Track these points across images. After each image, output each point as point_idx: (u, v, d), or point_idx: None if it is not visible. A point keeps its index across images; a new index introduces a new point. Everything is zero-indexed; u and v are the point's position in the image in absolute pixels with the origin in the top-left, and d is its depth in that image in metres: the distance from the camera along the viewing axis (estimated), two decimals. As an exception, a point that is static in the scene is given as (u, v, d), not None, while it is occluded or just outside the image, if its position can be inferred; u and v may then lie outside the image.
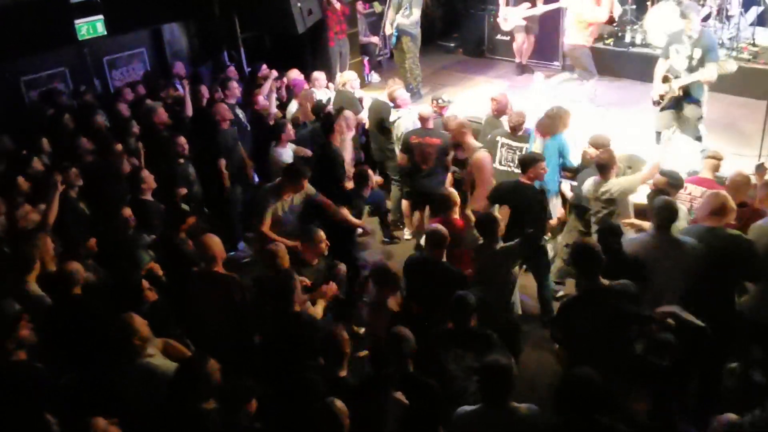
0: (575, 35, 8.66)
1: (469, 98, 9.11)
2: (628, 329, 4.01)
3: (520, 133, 6.68)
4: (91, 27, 8.60)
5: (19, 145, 6.86)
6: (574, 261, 4.23)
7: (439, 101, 7.62)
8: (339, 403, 3.33)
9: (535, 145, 6.49)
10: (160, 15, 9.81)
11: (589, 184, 5.71)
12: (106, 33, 8.76)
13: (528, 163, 5.76)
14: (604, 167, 5.59)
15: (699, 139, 7.06)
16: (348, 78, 8.44)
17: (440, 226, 5.01)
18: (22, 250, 4.64)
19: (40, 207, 5.43)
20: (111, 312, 4.09)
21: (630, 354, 3.97)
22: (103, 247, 5.31)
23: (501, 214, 5.81)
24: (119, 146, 6.58)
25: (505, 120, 7.04)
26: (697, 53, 6.61)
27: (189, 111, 7.76)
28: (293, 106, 8.22)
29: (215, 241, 4.80)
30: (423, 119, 7.10)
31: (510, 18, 9.78)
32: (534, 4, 9.75)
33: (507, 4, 9.97)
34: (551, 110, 6.55)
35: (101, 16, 8.63)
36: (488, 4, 11.08)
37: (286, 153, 7.11)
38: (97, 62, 9.37)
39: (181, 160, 6.69)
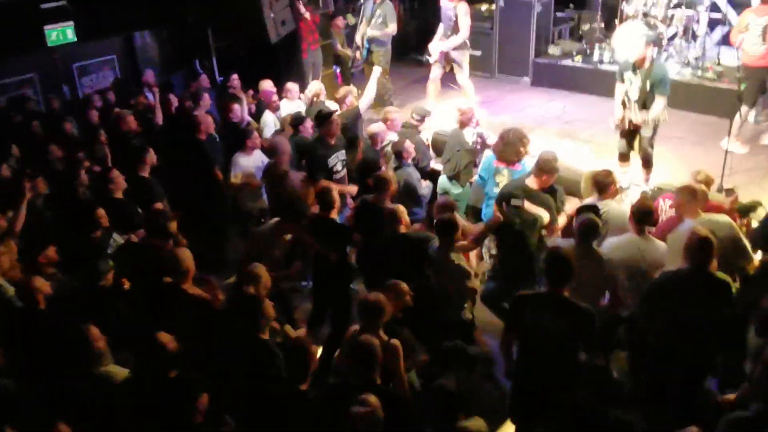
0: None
1: (442, 112, 9.20)
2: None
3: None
4: (61, 33, 8.50)
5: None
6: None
7: (414, 115, 7.66)
8: None
9: (502, 177, 6.30)
10: (132, 22, 9.74)
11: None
12: (76, 39, 8.67)
13: None
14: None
15: (648, 161, 7.14)
16: (318, 88, 8.45)
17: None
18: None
19: (7, 214, 5.35)
20: (73, 322, 4.05)
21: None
22: (65, 256, 5.25)
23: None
24: (81, 155, 6.53)
25: (468, 132, 7.07)
26: (648, 85, 6.71)
27: (159, 119, 7.73)
28: (268, 117, 8.20)
29: (187, 255, 4.68)
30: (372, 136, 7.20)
31: (433, 51, 9.19)
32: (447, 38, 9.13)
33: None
34: (507, 135, 6.29)
35: (71, 23, 8.54)
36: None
37: (249, 160, 7.10)
38: (66, 69, 9.28)
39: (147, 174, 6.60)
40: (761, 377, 3.56)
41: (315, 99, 8.32)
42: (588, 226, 4.79)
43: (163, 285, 4.64)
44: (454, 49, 8.94)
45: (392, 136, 7.30)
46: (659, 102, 6.68)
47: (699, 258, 4.25)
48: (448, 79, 9.34)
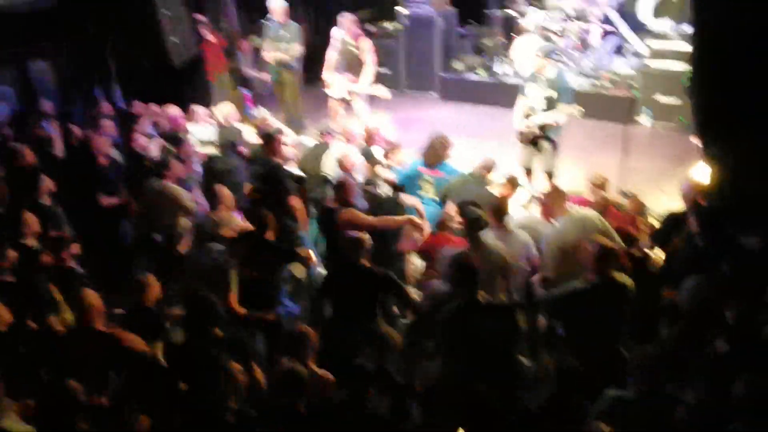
0: None
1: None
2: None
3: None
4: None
5: None
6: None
7: (325, 131, 7.68)
8: None
9: (427, 184, 6.56)
10: (27, 51, 9.36)
11: None
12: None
13: None
14: None
15: (551, 169, 7.46)
16: (226, 110, 8.32)
17: None
18: None
19: None
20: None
21: None
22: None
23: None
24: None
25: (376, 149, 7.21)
26: (553, 94, 7.05)
27: (59, 151, 7.41)
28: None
29: (92, 295, 4.47)
30: None
31: (336, 86, 9.09)
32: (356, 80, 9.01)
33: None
34: (433, 138, 6.71)
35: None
36: (372, 37, 11.33)
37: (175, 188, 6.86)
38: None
39: (48, 201, 6.31)
40: (639, 361, 3.75)
41: (222, 121, 8.20)
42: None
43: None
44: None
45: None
46: (562, 109, 6.98)
47: (604, 267, 4.41)
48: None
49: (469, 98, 10.71)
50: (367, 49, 8.89)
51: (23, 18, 8.73)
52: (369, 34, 11.23)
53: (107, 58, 9.43)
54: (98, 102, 9.05)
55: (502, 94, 10.08)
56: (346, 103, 9.08)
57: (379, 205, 6.31)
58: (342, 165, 6.73)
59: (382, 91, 9.04)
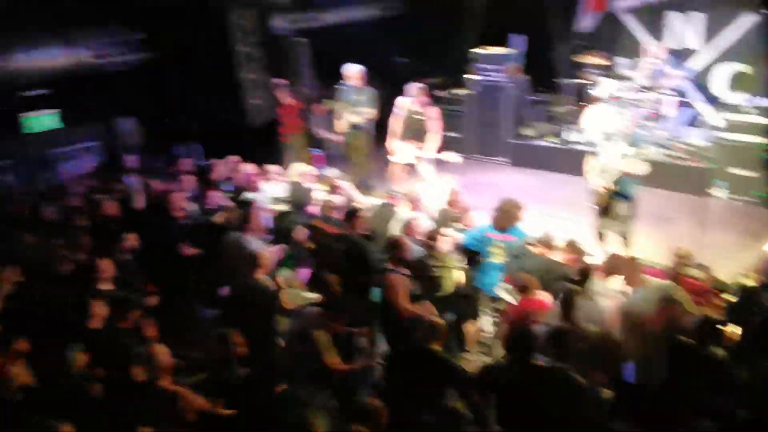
0: None
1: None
2: None
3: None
4: (41, 120, 8.61)
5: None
6: None
7: (392, 193, 7.77)
8: None
9: (497, 248, 6.46)
10: (116, 110, 9.92)
11: None
12: (58, 126, 8.77)
13: None
14: None
15: (625, 236, 7.28)
16: (298, 170, 8.54)
17: None
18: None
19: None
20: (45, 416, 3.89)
21: None
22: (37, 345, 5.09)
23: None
24: (59, 243, 6.45)
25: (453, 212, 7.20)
26: (629, 150, 6.98)
27: (140, 204, 7.72)
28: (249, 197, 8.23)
29: (162, 351, 4.52)
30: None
31: (401, 153, 9.26)
32: (420, 147, 9.09)
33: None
34: (504, 203, 6.65)
35: (56, 110, 8.66)
36: (438, 103, 11.52)
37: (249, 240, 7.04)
38: (46, 155, 9.29)
39: (127, 256, 6.54)
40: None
41: (293, 179, 8.41)
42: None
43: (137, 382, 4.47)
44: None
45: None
46: (641, 161, 6.93)
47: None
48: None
49: (539, 165, 10.68)
50: (434, 117, 9.03)
51: (113, 76, 9.28)
52: (439, 100, 11.45)
53: (189, 117, 9.86)
54: (179, 158, 9.46)
55: (573, 162, 9.96)
56: (411, 167, 9.19)
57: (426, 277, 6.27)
58: (407, 229, 6.76)
59: (452, 157, 9.11)
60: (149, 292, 5.92)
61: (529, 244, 6.23)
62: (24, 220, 7.23)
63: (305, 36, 11.21)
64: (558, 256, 6.04)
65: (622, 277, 5.50)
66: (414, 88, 9.12)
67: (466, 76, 11.53)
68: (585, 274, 5.48)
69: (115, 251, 6.35)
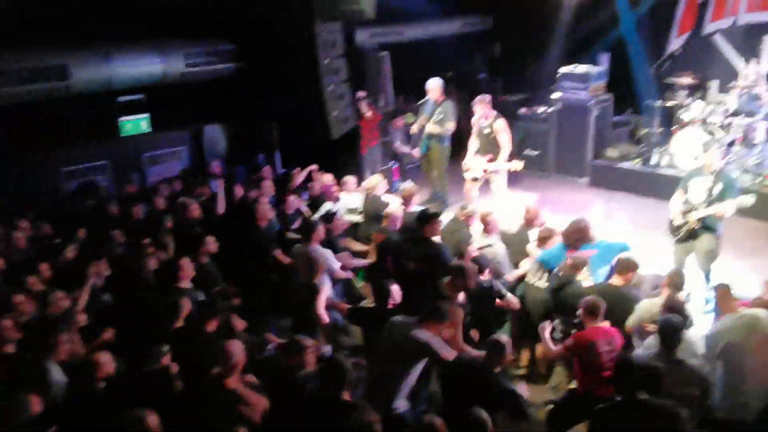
0: None
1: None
2: None
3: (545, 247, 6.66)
4: (135, 124, 9.02)
5: (55, 233, 7.07)
6: None
7: (465, 210, 7.71)
8: None
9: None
10: (203, 117, 10.29)
11: None
12: (150, 130, 9.16)
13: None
14: None
15: (707, 273, 6.99)
16: (374, 183, 8.62)
17: None
18: (49, 336, 4.70)
19: (72, 294, 5.53)
20: (127, 406, 4.06)
21: None
22: (122, 338, 5.32)
23: None
24: (146, 241, 6.74)
25: (533, 232, 7.03)
26: (718, 188, 6.70)
27: (221, 209, 7.98)
28: (328, 207, 8.37)
29: (237, 348, 4.59)
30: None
31: (473, 169, 9.20)
32: (493, 161, 9.00)
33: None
34: (574, 221, 6.53)
35: (147, 115, 9.06)
36: (517, 120, 11.44)
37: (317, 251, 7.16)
38: (137, 158, 9.73)
39: (206, 260, 6.75)
40: None
41: (370, 192, 8.48)
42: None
43: (207, 378, 4.59)
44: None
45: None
46: (729, 204, 6.64)
47: None
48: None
49: (621, 187, 10.40)
50: (501, 129, 8.93)
51: (202, 85, 9.64)
52: (520, 117, 11.36)
53: (272, 126, 10.11)
54: (261, 166, 9.72)
55: (656, 185, 9.74)
56: (479, 181, 9.14)
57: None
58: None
59: (515, 164, 8.96)
60: (229, 294, 6.04)
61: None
62: (115, 218, 7.60)
63: (387, 49, 11.34)
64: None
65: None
66: (479, 101, 9.06)
67: (550, 93, 11.38)
68: (677, 307, 5.25)
69: (196, 253, 6.59)
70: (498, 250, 6.88)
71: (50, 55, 7.93)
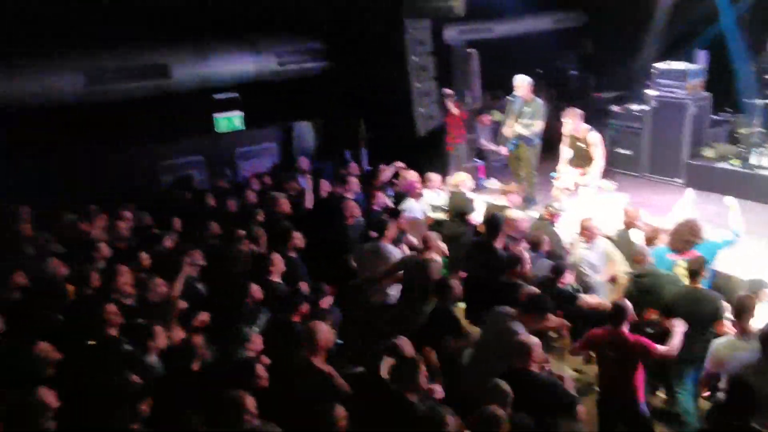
0: None
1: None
2: None
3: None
4: (229, 121, 9.34)
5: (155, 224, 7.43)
6: None
7: (551, 208, 7.60)
8: None
9: (680, 269, 6.09)
10: (293, 114, 10.55)
11: None
12: (243, 127, 9.46)
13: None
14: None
15: None
16: (460, 179, 8.60)
17: None
18: (149, 321, 4.97)
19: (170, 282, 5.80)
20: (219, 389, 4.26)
21: None
22: (215, 324, 5.54)
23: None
24: (241, 232, 6.97)
25: (634, 234, 6.83)
26: None
27: (309, 203, 8.15)
28: (411, 204, 8.41)
29: (322, 329, 4.77)
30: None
31: (564, 178, 9.02)
32: (585, 174, 8.83)
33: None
34: (681, 223, 6.33)
35: (240, 112, 9.36)
36: (609, 118, 11.13)
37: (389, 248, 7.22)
38: (230, 153, 10.07)
39: (294, 254, 6.89)
40: None
41: (454, 189, 8.46)
42: None
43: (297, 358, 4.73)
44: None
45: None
46: None
47: None
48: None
49: (718, 188, 9.88)
50: (594, 143, 8.70)
51: (293, 83, 9.87)
52: (614, 115, 11.03)
53: (360, 122, 10.24)
54: (348, 162, 9.87)
55: (757, 187, 9.26)
56: (569, 191, 8.94)
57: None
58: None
59: (606, 185, 8.79)
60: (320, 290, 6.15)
61: None
62: (210, 210, 7.90)
63: (475, 46, 11.27)
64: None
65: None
66: (570, 114, 8.84)
67: (645, 91, 11.00)
68: None
69: (285, 247, 6.76)
70: (597, 253, 6.74)
71: (152, 54, 8.31)
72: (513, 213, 7.50)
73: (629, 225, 7.00)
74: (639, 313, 5.40)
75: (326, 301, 5.87)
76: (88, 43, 7.87)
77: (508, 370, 4.58)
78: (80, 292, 5.72)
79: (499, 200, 8.15)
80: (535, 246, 6.73)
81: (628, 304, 5.12)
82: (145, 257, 6.33)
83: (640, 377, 5.01)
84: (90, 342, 4.93)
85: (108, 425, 3.98)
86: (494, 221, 6.91)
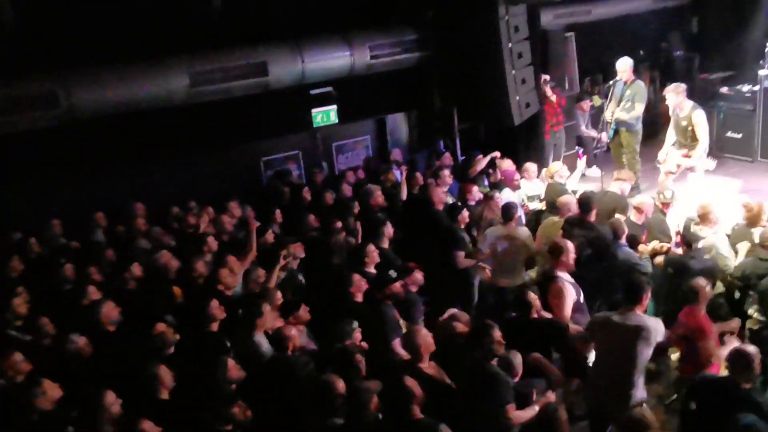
0: None
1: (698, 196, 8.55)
2: None
3: None
4: (325, 115, 9.49)
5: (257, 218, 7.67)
6: None
7: (662, 197, 7.27)
8: None
9: None
10: (386, 106, 10.59)
11: None
12: (337, 121, 9.59)
13: None
14: None
15: None
16: (555, 169, 8.36)
17: None
18: (251, 309, 5.17)
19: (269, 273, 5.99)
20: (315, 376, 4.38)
21: None
22: (316, 316, 5.65)
23: None
24: (339, 224, 7.07)
25: (757, 232, 6.31)
26: None
27: (404, 195, 8.17)
28: (508, 195, 8.26)
29: (422, 335, 4.73)
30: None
31: (667, 162, 8.70)
32: (689, 156, 8.53)
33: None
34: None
35: (335, 106, 9.49)
36: (717, 100, 10.52)
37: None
38: (327, 147, 10.24)
39: (386, 245, 6.91)
40: None
41: (551, 178, 8.25)
42: None
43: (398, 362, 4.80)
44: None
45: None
46: None
47: None
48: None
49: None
50: (698, 122, 8.28)
51: (386, 75, 9.90)
52: (723, 97, 10.44)
53: (454, 113, 10.14)
54: (441, 153, 9.81)
55: None
56: (674, 175, 8.53)
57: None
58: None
59: (708, 164, 8.40)
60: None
61: None
62: (308, 204, 8.07)
63: (573, 30, 10.90)
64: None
65: None
66: (673, 90, 8.39)
67: (755, 71, 10.30)
68: None
69: (378, 239, 6.80)
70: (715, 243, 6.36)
71: (250, 53, 8.54)
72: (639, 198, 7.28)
73: (752, 223, 6.46)
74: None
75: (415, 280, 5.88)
76: (190, 45, 8.18)
77: None
78: (188, 283, 5.99)
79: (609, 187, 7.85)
80: (616, 235, 6.40)
81: None
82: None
83: None
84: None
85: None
86: (586, 199, 6.84)
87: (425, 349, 4.66)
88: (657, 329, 4.67)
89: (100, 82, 7.43)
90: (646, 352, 4.65)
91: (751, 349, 4.31)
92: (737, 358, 4.26)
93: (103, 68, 7.52)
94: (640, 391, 4.71)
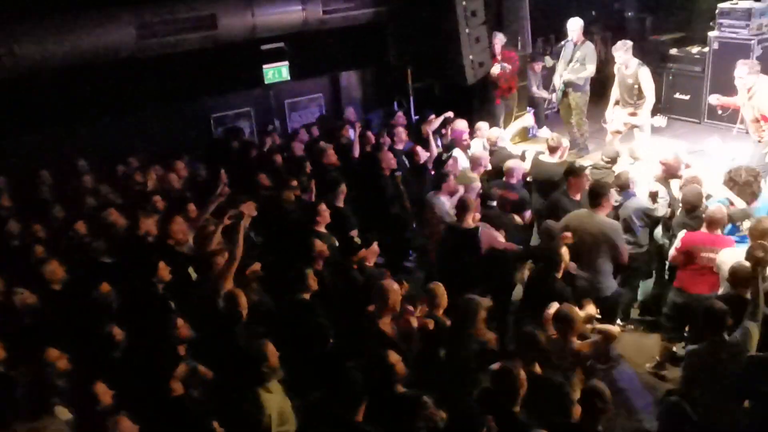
0: None
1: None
2: None
3: None
4: (276, 72, 9.33)
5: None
6: None
7: (603, 157, 7.43)
8: None
9: None
10: (340, 63, 10.47)
11: None
12: (289, 78, 9.45)
13: None
14: None
15: None
16: (495, 136, 8.36)
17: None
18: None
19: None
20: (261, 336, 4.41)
21: None
22: (268, 274, 5.65)
23: None
24: (294, 182, 7.03)
25: (675, 183, 6.67)
26: None
27: (356, 154, 8.15)
28: (457, 154, 8.30)
29: (393, 289, 4.80)
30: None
31: (613, 121, 8.77)
32: (635, 114, 8.60)
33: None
34: (739, 175, 6.18)
35: (287, 63, 9.33)
36: (668, 62, 10.69)
37: (444, 202, 7.18)
38: (279, 104, 10.10)
39: (342, 204, 6.94)
40: None
41: (493, 146, 8.27)
42: None
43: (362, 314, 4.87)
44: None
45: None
46: None
47: None
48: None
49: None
50: (644, 79, 8.37)
51: (339, 32, 9.76)
52: (673, 59, 10.60)
53: (408, 72, 10.09)
54: (395, 113, 9.79)
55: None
56: (621, 134, 8.68)
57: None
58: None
59: (659, 121, 8.52)
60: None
61: None
62: (259, 163, 7.98)
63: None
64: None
65: None
66: (620, 47, 8.44)
67: (705, 32, 10.48)
68: None
69: (332, 197, 6.80)
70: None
71: (199, 5, 8.30)
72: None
73: (668, 176, 6.81)
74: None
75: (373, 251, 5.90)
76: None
77: None
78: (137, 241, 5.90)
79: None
80: (624, 187, 6.72)
81: None
82: (192, 209, 6.41)
83: None
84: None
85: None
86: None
87: (391, 304, 4.76)
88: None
89: (46, 35, 7.15)
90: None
91: None
92: None
93: (48, 20, 7.23)
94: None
